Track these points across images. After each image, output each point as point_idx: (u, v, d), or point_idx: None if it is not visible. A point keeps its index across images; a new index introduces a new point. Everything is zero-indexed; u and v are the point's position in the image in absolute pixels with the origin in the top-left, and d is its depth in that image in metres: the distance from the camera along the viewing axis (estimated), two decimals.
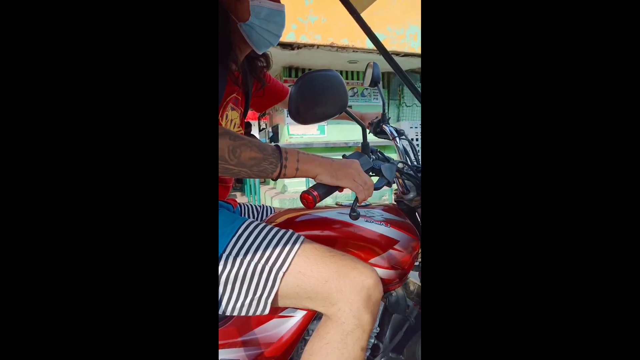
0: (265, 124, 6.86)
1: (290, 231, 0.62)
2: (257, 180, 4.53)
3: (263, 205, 0.90)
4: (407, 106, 5.40)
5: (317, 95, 0.53)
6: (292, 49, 3.93)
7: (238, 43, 0.71)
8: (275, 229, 0.62)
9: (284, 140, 4.98)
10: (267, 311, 0.57)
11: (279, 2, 0.71)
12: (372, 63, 0.93)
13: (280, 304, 0.59)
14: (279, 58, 4.25)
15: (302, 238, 0.61)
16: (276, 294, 0.57)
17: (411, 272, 0.83)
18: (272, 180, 0.55)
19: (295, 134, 5.01)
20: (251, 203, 0.89)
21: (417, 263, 0.83)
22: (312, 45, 3.89)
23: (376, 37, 1.04)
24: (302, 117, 0.54)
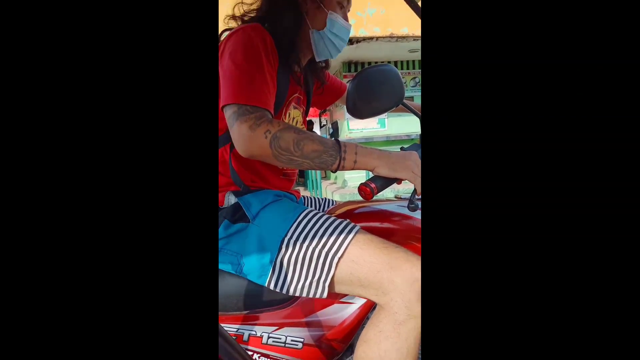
0: (326, 121, 6.98)
1: (347, 221, 0.65)
2: (318, 175, 4.66)
3: (325, 198, 0.95)
4: None
5: (373, 89, 0.54)
6: (352, 43, 3.93)
7: (303, 47, 0.77)
8: (333, 218, 0.65)
9: (344, 135, 5.02)
10: (325, 294, 0.61)
11: (347, 21, 0.76)
12: None
13: (337, 289, 0.62)
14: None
15: (357, 228, 0.63)
16: (332, 279, 0.60)
17: None
18: (332, 172, 0.59)
19: (355, 128, 5.00)
20: (314, 196, 0.95)
21: None
22: (371, 38, 3.85)
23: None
24: (360, 111, 0.57)
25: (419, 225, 0.72)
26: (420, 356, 0.95)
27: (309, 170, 4.89)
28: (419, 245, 0.70)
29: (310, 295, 0.62)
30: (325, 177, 5.80)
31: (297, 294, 0.62)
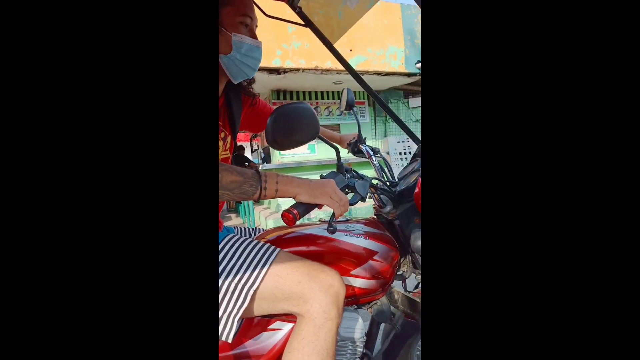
0: (257, 145, 6.95)
1: (267, 245, 0.69)
2: (251, 202, 4.55)
3: (253, 228, 0.95)
4: (393, 122, 5.56)
5: (290, 125, 0.59)
6: (279, 73, 4.08)
7: None
8: (255, 242, 0.69)
9: (276, 160, 5.06)
10: (231, 336, 0.63)
11: (257, 38, 0.78)
12: (346, 89, 1.01)
13: (259, 309, 0.66)
14: (267, 82, 4.39)
15: (278, 249, 0.69)
16: (248, 308, 0.64)
17: (395, 281, 0.88)
18: (255, 201, 0.62)
19: (287, 154, 5.09)
20: (243, 226, 0.95)
21: (399, 273, 0.89)
22: (297, 69, 4.05)
23: (347, 62, 1.13)
24: (279, 144, 0.61)
25: (342, 246, 0.77)
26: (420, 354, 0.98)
27: None
28: (343, 265, 0.75)
29: (221, 337, 0.63)
30: (258, 203, 5.70)
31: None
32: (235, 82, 0.81)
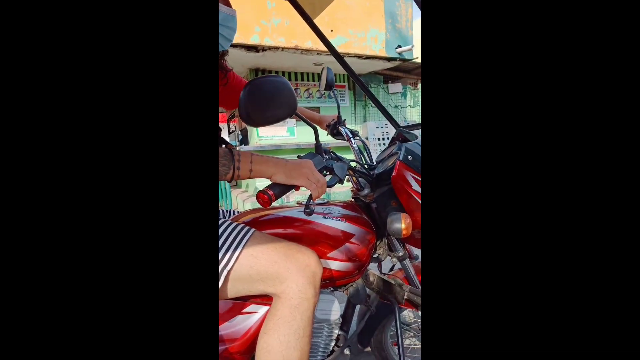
0: (235, 127, 6.75)
1: (242, 225, 0.67)
2: (227, 184, 4.46)
3: (229, 210, 0.92)
4: (372, 107, 5.55)
5: (266, 99, 0.56)
6: (257, 51, 3.92)
7: None
8: (228, 223, 0.66)
9: (254, 142, 4.95)
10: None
11: (231, 7, 0.72)
12: (326, 67, 0.98)
13: (233, 291, 0.64)
14: (244, 60, 4.22)
15: (252, 230, 0.67)
16: (222, 290, 0.62)
17: (371, 264, 0.89)
18: (227, 181, 0.59)
19: (265, 135, 4.99)
20: (222, 208, 0.92)
21: (375, 255, 0.89)
22: (276, 48, 3.91)
23: (328, 41, 1.09)
24: (253, 120, 0.57)
25: (319, 228, 0.76)
26: (388, 344, 0.99)
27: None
28: (320, 247, 0.74)
29: None
30: (236, 186, 5.60)
31: None
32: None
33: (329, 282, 0.77)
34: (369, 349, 1.13)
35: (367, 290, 0.93)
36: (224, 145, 0.65)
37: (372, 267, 0.95)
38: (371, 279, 0.95)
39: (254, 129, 4.89)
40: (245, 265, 0.62)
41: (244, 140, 5.46)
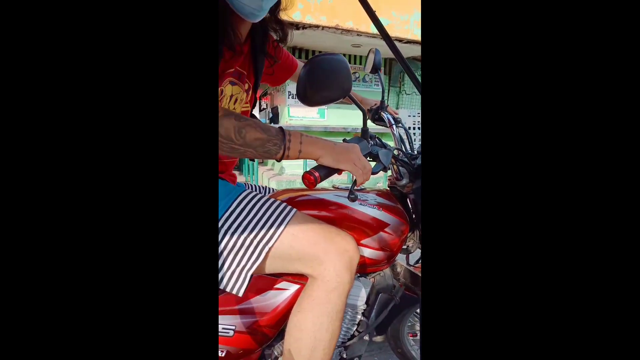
0: (266, 104, 6.78)
1: (284, 204, 0.67)
2: (255, 160, 4.53)
3: (264, 186, 0.93)
4: (406, 94, 5.37)
5: (324, 78, 0.55)
6: (297, 28, 3.85)
7: (229, 17, 0.68)
8: (272, 200, 0.67)
9: (284, 121, 4.96)
10: (242, 290, 0.62)
11: None
12: (374, 49, 0.94)
13: (272, 268, 0.65)
14: None
15: (295, 210, 0.67)
16: (261, 265, 0.63)
17: (399, 254, 0.88)
18: (277, 161, 0.59)
19: (295, 116, 4.98)
20: (253, 183, 0.93)
21: (404, 246, 0.88)
22: (317, 26, 3.82)
23: (380, 22, 1.04)
24: (309, 99, 0.56)
25: (355, 215, 0.75)
26: (404, 334, 1.01)
27: None
28: (354, 234, 0.74)
29: (228, 289, 0.62)
30: (262, 163, 5.68)
31: (220, 286, 0.62)
32: (251, 20, 0.69)
33: (359, 268, 0.77)
34: (381, 337, 1.13)
35: (393, 280, 0.93)
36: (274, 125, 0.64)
37: (400, 258, 0.94)
38: (398, 269, 0.94)
39: (286, 107, 4.89)
40: (286, 243, 0.63)
41: (274, 119, 5.48)
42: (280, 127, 0.59)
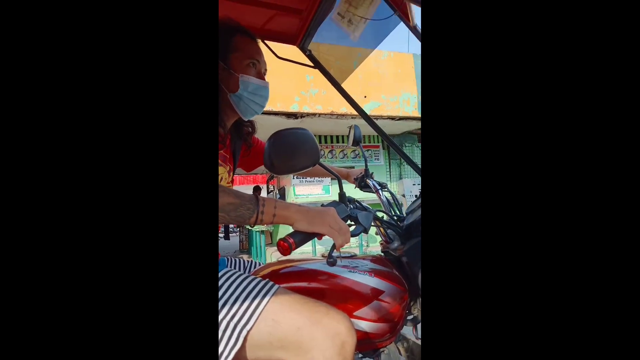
0: (274, 187, 7.06)
1: (266, 281, 0.63)
2: (263, 242, 4.50)
3: (249, 260, 0.92)
4: (407, 165, 5.56)
5: (288, 149, 0.58)
6: (297, 117, 4.27)
7: (226, 110, 0.82)
8: (251, 278, 0.63)
9: (290, 200, 5.08)
10: None
11: (264, 79, 0.84)
12: (353, 125, 1.03)
13: (252, 357, 0.58)
14: (285, 126, 4.59)
15: (277, 287, 0.62)
16: (239, 352, 0.57)
17: (405, 327, 0.80)
18: (250, 226, 0.59)
19: (301, 194, 5.12)
20: (238, 257, 0.92)
21: (410, 317, 0.81)
22: (314, 114, 4.23)
23: (357, 104, 1.16)
24: (276, 168, 0.60)
25: (344, 283, 0.72)
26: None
27: (254, 237, 4.73)
28: (347, 305, 0.69)
29: None
30: (271, 244, 5.62)
31: None
32: (246, 119, 0.85)
33: (359, 345, 0.70)
34: None
35: (400, 357, 0.83)
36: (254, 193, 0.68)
37: (407, 331, 0.86)
38: (406, 344, 0.85)
39: (291, 187, 5.07)
40: (264, 331, 0.57)
41: (282, 199, 5.65)
42: (255, 194, 0.61)
